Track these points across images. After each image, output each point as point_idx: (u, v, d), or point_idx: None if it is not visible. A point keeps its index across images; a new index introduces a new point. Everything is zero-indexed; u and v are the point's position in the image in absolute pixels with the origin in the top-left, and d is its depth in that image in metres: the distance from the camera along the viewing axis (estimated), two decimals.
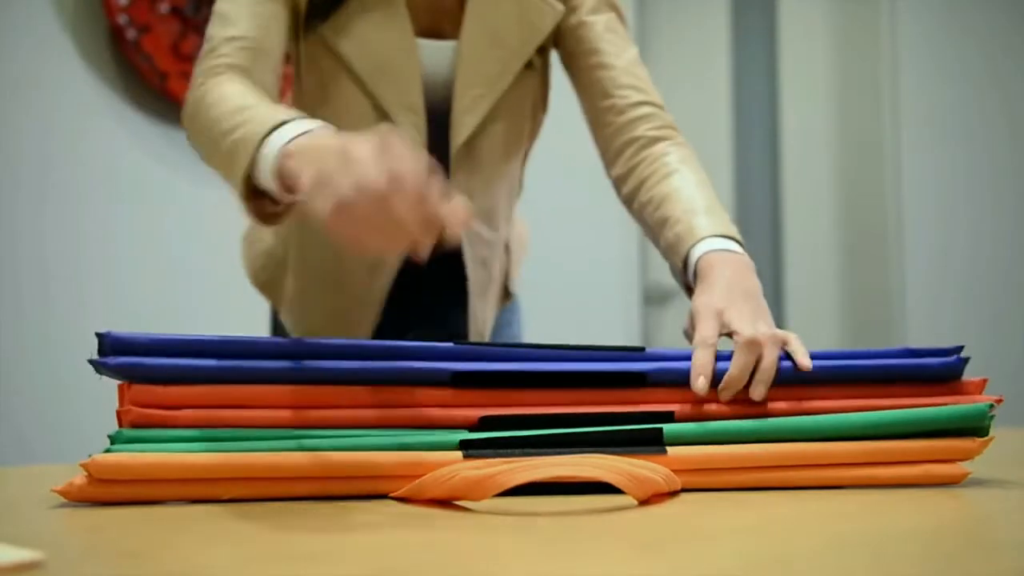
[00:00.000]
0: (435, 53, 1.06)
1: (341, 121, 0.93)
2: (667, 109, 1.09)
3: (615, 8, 1.12)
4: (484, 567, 0.42)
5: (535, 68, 1.10)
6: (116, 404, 0.70)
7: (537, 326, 2.92)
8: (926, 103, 2.91)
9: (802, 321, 3.07)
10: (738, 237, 0.92)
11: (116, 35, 2.09)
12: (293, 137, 0.76)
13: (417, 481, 0.63)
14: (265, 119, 0.81)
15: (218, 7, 1.02)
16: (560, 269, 2.81)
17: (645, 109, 1.06)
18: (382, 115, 1.03)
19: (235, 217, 2.38)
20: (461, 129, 1.05)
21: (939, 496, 0.65)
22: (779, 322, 3.20)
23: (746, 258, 0.89)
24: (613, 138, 1.06)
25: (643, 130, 1.05)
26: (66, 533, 0.51)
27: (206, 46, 1.00)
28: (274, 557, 0.44)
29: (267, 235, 1.21)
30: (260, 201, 0.84)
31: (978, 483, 0.72)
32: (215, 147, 0.88)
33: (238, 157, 0.82)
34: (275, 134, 0.79)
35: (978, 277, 2.86)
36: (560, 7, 1.08)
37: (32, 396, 2.01)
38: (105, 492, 0.62)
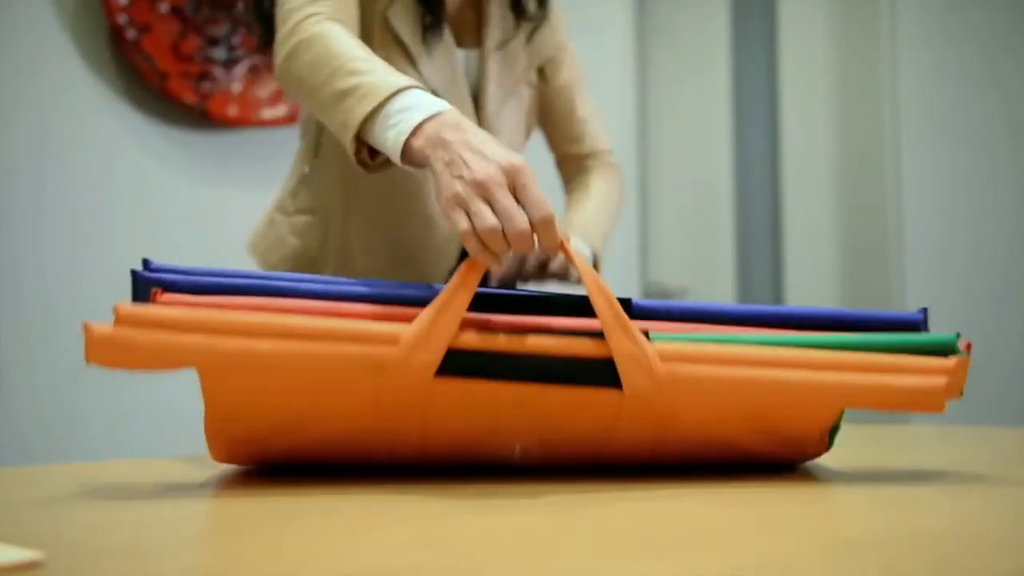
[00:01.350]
0: (472, 59, 1.24)
1: None
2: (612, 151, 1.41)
3: (580, 68, 1.41)
4: (483, 567, 0.42)
5: (532, 86, 1.30)
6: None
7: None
8: (926, 103, 2.92)
9: None
10: (597, 250, 1.21)
11: (116, 35, 2.09)
12: (426, 118, 0.82)
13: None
14: (389, 78, 0.87)
15: None
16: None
17: (597, 154, 1.38)
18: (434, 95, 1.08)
19: (234, 217, 2.37)
20: (490, 127, 1.23)
21: (940, 496, 0.65)
22: None
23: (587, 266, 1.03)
24: (569, 169, 1.39)
25: (588, 163, 1.38)
26: (66, 533, 0.51)
27: (288, 6, 1.02)
28: (275, 557, 0.44)
29: (291, 239, 1.27)
30: (360, 146, 0.90)
31: (979, 483, 0.72)
32: (327, 96, 0.91)
33: (358, 105, 0.87)
34: (400, 97, 0.85)
35: (978, 277, 2.86)
36: (560, 36, 1.33)
37: (32, 396, 2.01)
38: (133, 340, 0.64)
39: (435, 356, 0.69)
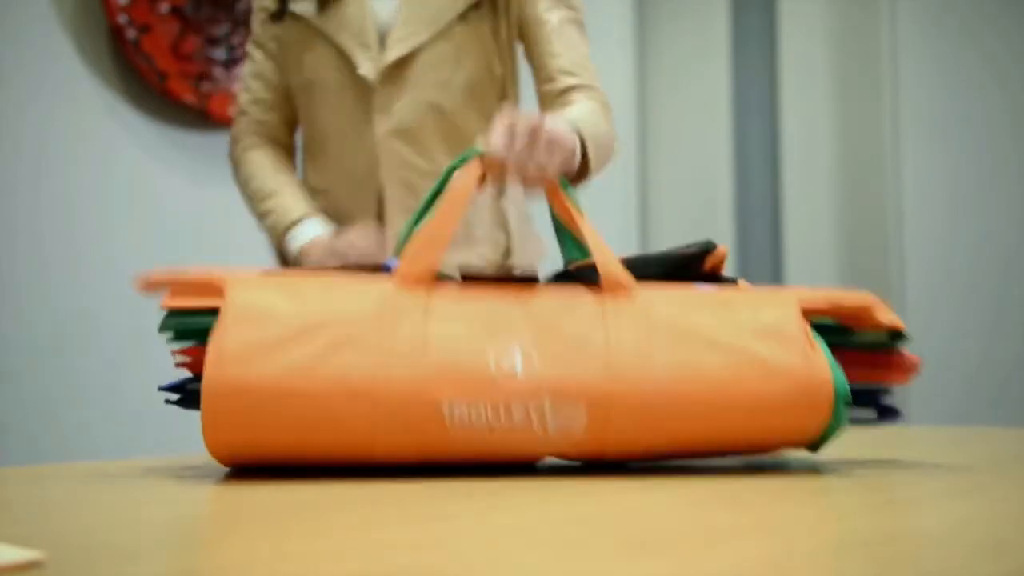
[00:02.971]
0: (385, 6, 1.36)
1: (319, 72, 1.36)
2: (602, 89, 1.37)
3: (571, 7, 1.38)
4: (481, 567, 0.42)
5: (474, 21, 1.35)
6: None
7: None
8: (926, 102, 2.92)
9: None
10: (583, 135, 1.15)
11: (116, 35, 2.09)
12: (302, 246, 1.34)
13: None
14: (286, 214, 1.37)
15: (243, 69, 1.49)
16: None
17: (578, 88, 1.34)
18: (346, 59, 1.35)
19: (233, 217, 2.38)
20: (389, 54, 1.34)
21: (939, 496, 0.65)
22: None
23: (573, 137, 1.04)
24: (545, 110, 1.35)
25: (568, 98, 1.34)
26: (66, 533, 0.51)
27: (237, 107, 1.50)
28: (275, 557, 0.44)
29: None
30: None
31: (978, 483, 0.72)
32: (255, 214, 1.42)
33: (271, 236, 1.39)
34: (295, 228, 1.35)
35: (978, 276, 2.86)
36: None
37: (32, 396, 2.01)
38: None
39: (438, 255, 0.77)
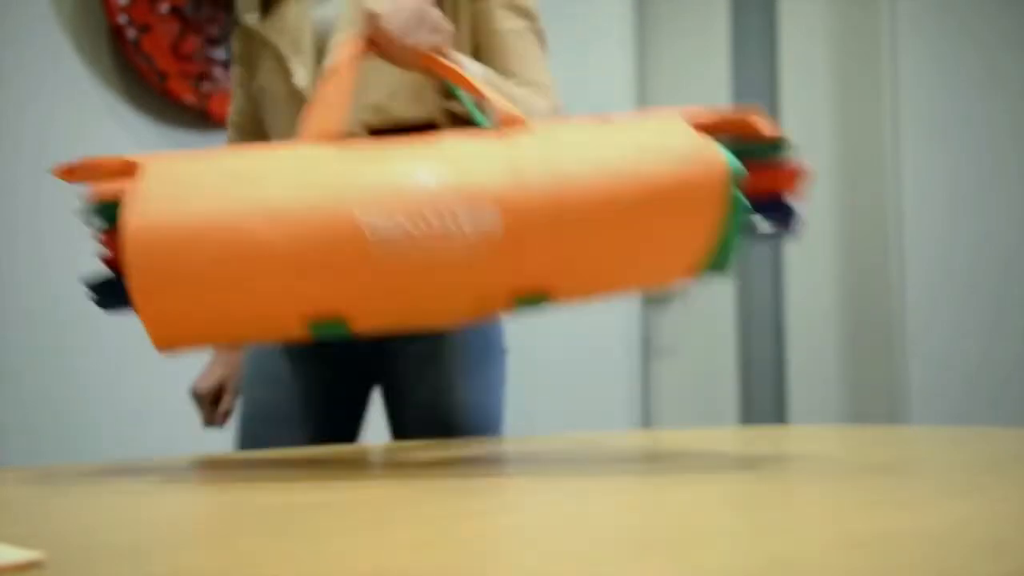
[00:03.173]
0: (327, 12, 1.30)
1: (266, 81, 1.32)
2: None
3: (528, 16, 1.29)
4: (480, 566, 0.42)
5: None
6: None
7: (537, 329, 2.93)
8: (926, 102, 2.92)
9: (801, 321, 3.08)
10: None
11: (116, 35, 2.09)
12: None
13: None
14: None
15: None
16: None
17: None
18: (283, 65, 1.30)
19: None
20: (325, 61, 1.28)
21: (939, 496, 0.65)
22: (777, 322, 3.21)
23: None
24: None
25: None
26: (66, 533, 0.51)
27: (228, 116, 1.47)
28: (275, 556, 0.44)
29: None
30: None
31: (978, 483, 0.72)
32: None
33: None
34: None
35: (978, 276, 2.86)
36: None
37: (33, 396, 2.01)
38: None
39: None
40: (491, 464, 0.80)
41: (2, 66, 2.01)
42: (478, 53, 1.28)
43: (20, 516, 0.58)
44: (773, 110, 3.19)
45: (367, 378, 1.37)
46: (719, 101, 3.20)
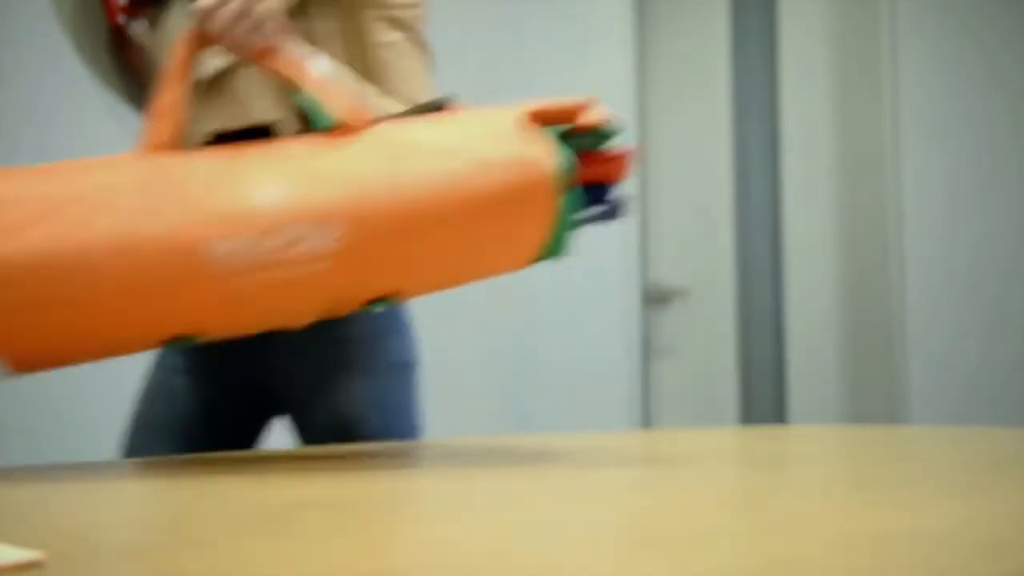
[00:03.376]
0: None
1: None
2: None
3: (407, 27, 1.22)
4: (479, 565, 0.42)
5: (303, 23, 1.17)
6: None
7: (537, 326, 2.93)
8: (926, 102, 2.92)
9: (801, 321, 3.08)
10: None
11: (116, 35, 2.09)
12: None
13: None
14: None
15: None
16: (560, 269, 2.81)
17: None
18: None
19: None
20: (202, 69, 1.19)
21: (939, 496, 0.65)
22: (777, 322, 3.21)
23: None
24: None
25: None
26: (66, 533, 0.51)
27: None
28: (275, 556, 0.44)
29: None
30: None
31: (978, 483, 0.72)
32: None
33: None
34: None
35: (978, 276, 2.86)
36: None
37: (33, 396, 2.01)
38: None
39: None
40: (490, 464, 0.80)
41: (2, 66, 2.01)
42: (356, 69, 1.20)
43: (20, 516, 0.58)
44: (773, 110, 3.19)
45: (266, 405, 1.29)
46: (719, 101, 3.20)
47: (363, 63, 1.20)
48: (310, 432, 1.23)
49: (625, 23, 3.11)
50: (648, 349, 3.26)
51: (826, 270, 3.04)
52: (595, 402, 3.05)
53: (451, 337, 2.70)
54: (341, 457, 0.94)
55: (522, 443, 1.09)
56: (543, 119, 0.86)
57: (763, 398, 3.22)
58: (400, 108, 1.14)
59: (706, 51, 3.25)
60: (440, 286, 0.88)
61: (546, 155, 0.83)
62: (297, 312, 0.83)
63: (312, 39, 1.18)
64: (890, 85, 2.92)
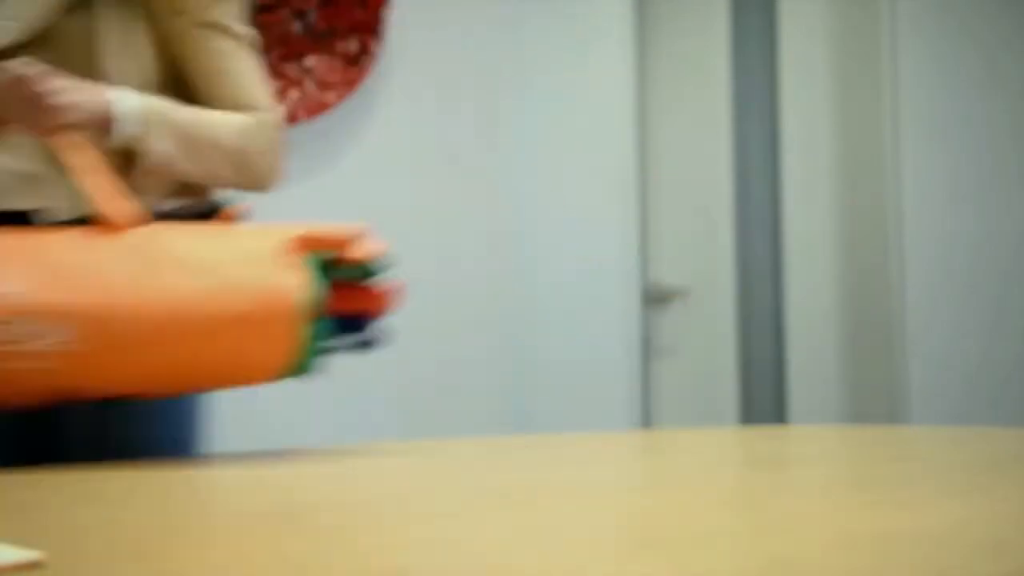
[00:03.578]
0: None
1: None
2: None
3: (234, 34, 1.15)
4: (479, 565, 0.42)
5: (85, 21, 1.09)
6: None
7: (537, 326, 2.93)
8: (926, 102, 2.92)
9: (801, 321, 3.08)
10: (149, 123, 1.02)
11: None
12: None
13: None
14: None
15: None
16: (560, 270, 2.81)
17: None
18: None
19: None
20: None
21: (938, 496, 0.65)
22: (777, 322, 3.21)
23: (101, 110, 0.99)
24: None
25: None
26: (66, 533, 0.51)
27: None
28: (275, 556, 0.44)
29: None
30: None
31: (978, 483, 0.72)
32: None
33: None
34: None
35: (978, 276, 2.86)
36: None
37: None
38: None
39: None
40: (490, 464, 0.80)
41: None
42: (185, 77, 1.14)
43: (20, 516, 0.58)
44: (773, 110, 3.19)
45: (38, 456, 1.12)
46: (719, 101, 3.20)
47: (195, 75, 1.14)
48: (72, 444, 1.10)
49: (625, 23, 3.11)
50: (648, 349, 3.26)
51: (826, 270, 3.04)
52: (595, 402, 3.05)
53: (451, 337, 2.70)
54: (341, 457, 0.94)
55: (522, 443, 1.09)
56: (309, 245, 0.89)
57: (763, 398, 3.22)
58: (232, 116, 1.10)
59: (706, 51, 3.25)
60: (178, 391, 0.92)
61: (296, 284, 0.86)
62: (24, 400, 0.85)
63: (109, 50, 1.09)
64: (890, 85, 2.92)
